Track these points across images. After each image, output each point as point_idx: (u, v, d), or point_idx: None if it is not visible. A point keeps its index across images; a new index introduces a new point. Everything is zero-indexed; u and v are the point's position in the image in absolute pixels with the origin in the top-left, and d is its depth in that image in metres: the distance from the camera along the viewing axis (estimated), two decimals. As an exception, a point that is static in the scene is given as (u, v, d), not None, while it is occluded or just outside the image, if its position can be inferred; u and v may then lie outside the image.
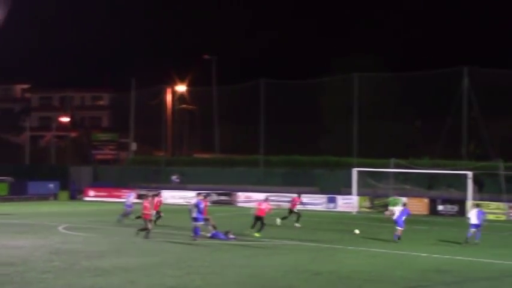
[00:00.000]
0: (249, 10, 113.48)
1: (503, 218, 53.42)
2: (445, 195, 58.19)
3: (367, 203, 59.97)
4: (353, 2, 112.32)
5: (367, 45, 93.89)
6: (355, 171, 59.52)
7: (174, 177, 73.69)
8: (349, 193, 59.64)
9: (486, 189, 58.89)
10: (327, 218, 53.88)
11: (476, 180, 56.60)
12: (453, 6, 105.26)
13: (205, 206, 38.35)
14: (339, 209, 60.71)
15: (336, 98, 78.83)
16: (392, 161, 60.06)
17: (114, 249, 32.76)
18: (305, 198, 60.69)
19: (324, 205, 62.23)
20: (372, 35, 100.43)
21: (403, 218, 37.54)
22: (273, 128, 74.47)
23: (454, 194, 59.64)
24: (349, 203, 60.05)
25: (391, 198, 52.20)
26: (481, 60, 68.30)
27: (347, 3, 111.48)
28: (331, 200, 61.69)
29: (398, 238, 37.21)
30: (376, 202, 59.65)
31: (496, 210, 53.93)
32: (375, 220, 51.82)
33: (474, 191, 54.94)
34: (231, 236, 37.18)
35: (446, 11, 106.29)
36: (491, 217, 52.94)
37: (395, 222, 37.57)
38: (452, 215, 55.16)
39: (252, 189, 68.61)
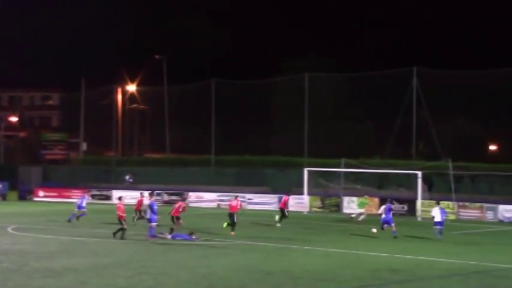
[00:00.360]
0: (201, 10, 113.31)
1: (452, 217, 53.97)
2: (395, 195, 58.62)
3: (318, 203, 60.20)
4: (304, 2, 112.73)
5: (319, 46, 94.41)
6: (306, 171, 59.69)
7: (127, 177, 73.20)
8: (301, 193, 59.77)
9: (435, 188, 59.53)
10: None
11: (425, 180, 57.15)
12: (403, 8, 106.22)
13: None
14: (290, 208, 60.60)
15: (287, 98, 79.02)
16: (343, 160, 60.39)
17: (64, 250, 32.42)
18: (256, 198, 60.86)
19: (275, 205, 62.17)
20: (323, 36, 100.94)
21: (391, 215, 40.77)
22: (225, 128, 74.38)
23: (404, 193, 60.17)
24: (300, 202, 60.19)
25: (359, 201, 51.98)
26: (430, 61, 69.17)
27: (298, 4, 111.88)
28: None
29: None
30: (327, 202, 59.93)
31: (445, 209, 54.46)
32: (326, 220, 52.03)
33: (424, 191, 55.47)
34: (194, 237, 36.98)
35: (397, 12, 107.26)
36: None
37: (387, 222, 40.35)
38: (402, 214, 55.58)
39: (203, 189, 68.48)
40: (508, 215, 53.17)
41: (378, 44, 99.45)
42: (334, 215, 56.31)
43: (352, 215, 49.68)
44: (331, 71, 75.19)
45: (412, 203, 55.64)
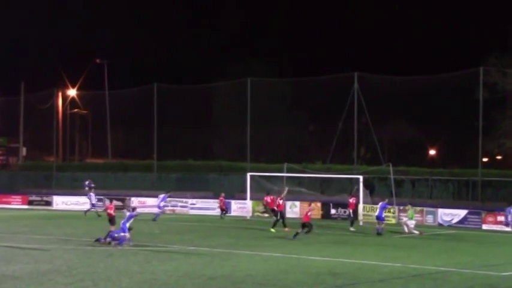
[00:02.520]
0: (142, 13, 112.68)
1: (393, 221, 54.48)
2: (337, 199, 58.98)
3: (261, 208, 60.23)
4: (247, 7, 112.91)
5: (261, 51, 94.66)
6: (248, 175, 59.76)
7: (86, 183, 72.08)
8: (243, 198, 59.81)
9: (376, 193, 60.02)
10: (221, 222, 53.90)
11: (367, 184, 57.62)
12: (344, 13, 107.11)
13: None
14: (233, 213, 60.78)
15: (230, 103, 79.10)
16: (286, 165, 60.57)
17: (3, 257, 31.88)
18: (199, 203, 60.69)
19: (218, 210, 62.21)
20: (266, 40, 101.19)
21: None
22: (167, 132, 74.08)
23: (346, 198, 60.53)
24: (243, 207, 60.22)
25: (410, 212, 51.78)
26: (371, 66, 69.81)
27: (241, 8, 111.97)
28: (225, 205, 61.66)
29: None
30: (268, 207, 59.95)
31: (386, 213, 54.94)
32: (268, 224, 52.07)
33: (365, 195, 55.88)
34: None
35: (338, 17, 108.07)
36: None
37: (378, 218, 45.11)
38: (344, 219, 55.93)
39: (145, 194, 68.08)
40: (447, 218, 53.89)
41: (320, 49, 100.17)
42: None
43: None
44: (273, 76, 75.43)
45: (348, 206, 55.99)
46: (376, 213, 46.42)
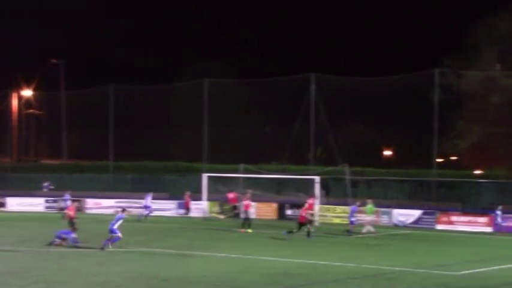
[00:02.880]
0: (99, 13, 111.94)
1: (348, 221, 54.76)
2: (294, 200, 59.15)
3: (216, 208, 60.22)
4: (204, 7, 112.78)
5: (219, 51, 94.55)
6: (205, 176, 59.68)
7: (45, 184, 71.44)
8: (200, 198, 59.72)
9: (333, 193, 60.33)
10: (177, 223, 53.75)
11: (323, 185, 57.88)
12: (301, 14, 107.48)
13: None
14: (189, 214, 60.60)
15: (187, 104, 78.80)
16: (242, 166, 60.61)
17: (-45, 259, 31.47)
18: (155, 204, 60.48)
19: (174, 211, 62.11)
20: (223, 41, 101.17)
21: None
22: (123, 133, 73.62)
23: (302, 198, 60.70)
24: (199, 208, 60.11)
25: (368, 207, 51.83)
26: (328, 68, 70.10)
27: (198, 8, 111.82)
28: (181, 206, 61.55)
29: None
30: (226, 207, 59.98)
31: (342, 214, 55.26)
32: (224, 225, 52.07)
33: (321, 196, 56.15)
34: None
35: (296, 19, 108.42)
36: (337, 221, 54.30)
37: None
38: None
39: (101, 195, 67.63)
40: (402, 219, 54.33)
41: (277, 50, 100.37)
42: (233, 221, 56.28)
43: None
44: (231, 77, 75.35)
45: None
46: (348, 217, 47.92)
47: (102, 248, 35.10)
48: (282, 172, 62.69)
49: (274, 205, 58.68)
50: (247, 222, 47.36)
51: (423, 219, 53.32)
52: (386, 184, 62.25)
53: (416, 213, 54.19)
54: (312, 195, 52.41)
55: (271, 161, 69.59)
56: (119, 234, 35.62)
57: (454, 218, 52.83)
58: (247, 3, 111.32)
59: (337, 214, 55.25)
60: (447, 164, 76.98)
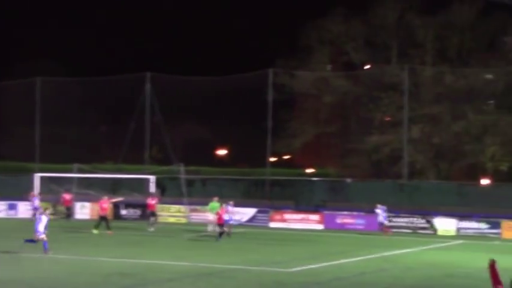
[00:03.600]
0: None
1: (184, 221, 54.97)
2: (128, 200, 58.72)
3: (49, 210, 58.81)
4: (33, 4, 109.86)
5: (51, 50, 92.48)
6: (37, 176, 58.29)
7: None
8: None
9: (168, 193, 60.33)
10: (7, 225, 52.18)
11: (158, 184, 57.78)
12: (137, 13, 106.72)
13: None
14: (20, 215, 59.01)
15: (19, 103, 76.62)
16: (76, 166, 59.60)
17: None
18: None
19: (5, 212, 60.26)
20: (56, 39, 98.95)
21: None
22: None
23: (137, 198, 60.37)
24: (29, 209, 58.53)
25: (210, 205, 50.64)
26: (163, 67, 69.96)
27: (26, 5, 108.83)
28: (12, 207, 59.82)
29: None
30: (58, 208, 58.76)
31: (177, 213, 55.37)
32: (55, 226, 50.94)
33: (157, 195, 55.97)
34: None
35: (131, 17, 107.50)
36: (172, 220, 54.32)
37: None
38: (135, 219, 55.80)
39: None
40: (237, 217, 54.85)
41: (112, 48, 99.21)
42: (66, 221, 55.22)
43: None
44: (64, 75, 73.85)
45: (145, 207, 55.87)
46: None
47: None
48: (117, 172, 62.11)
49: (110, 205, 57.94)
50: (105, 223, 46.44)
51: (257, 217, 54.19)
52: (221, 183, 62.79)
53: (250, 211, 54.97)
54: (152, 195, 52.04)
55: (106, 161, 68.81)
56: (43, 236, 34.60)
57: (287, 216, 53.94)
58: (84, 2, 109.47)
59: (172, 213, 55.28)
60: (281, 163, 78.57)
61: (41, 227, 34.59)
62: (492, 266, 15.49)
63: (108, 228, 46.02)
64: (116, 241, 41.16)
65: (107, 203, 47.69)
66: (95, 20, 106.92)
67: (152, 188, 54.95)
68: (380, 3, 66.56)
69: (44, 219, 34.84)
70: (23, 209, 59.35)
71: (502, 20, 64.65)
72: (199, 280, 27.27)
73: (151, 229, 47.53)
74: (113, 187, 63.61)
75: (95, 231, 45.66)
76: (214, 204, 47.39)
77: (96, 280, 26.76)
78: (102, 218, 46.90)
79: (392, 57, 67.35)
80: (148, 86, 64.15)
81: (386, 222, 47.17)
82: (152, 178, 55.44)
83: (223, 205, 43.78)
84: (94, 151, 72.12)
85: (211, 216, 47.62)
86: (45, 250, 34.15)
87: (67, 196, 54.79)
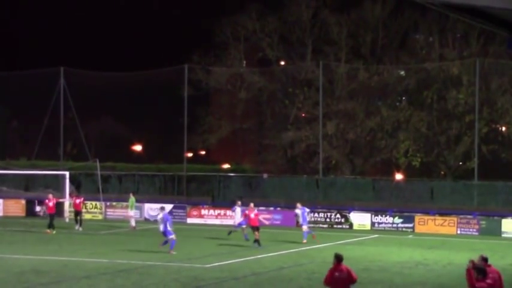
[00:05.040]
0: None
1: (100, 217, 54.43)
2: (43, 196, 57.75)
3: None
4: None
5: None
6: None
7: None
8: None
9: (83, 189, 59.58)
10: None
11: (73, 180, 57.05)
12: (54, 7, 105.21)
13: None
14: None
15: None
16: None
17: None
18: None
19: None
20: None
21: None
22: None
23: (52, 194, 59.46)
24: None
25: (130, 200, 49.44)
26: (77, 62, 69.00)
27: None
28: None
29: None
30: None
31: (93, 210, 54.79)
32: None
33: (72, 191, 55.29)
34: None
35: (46, 11, 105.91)
36: (88, 216, 53.65)
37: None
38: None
39: None
40: (153, 213, 54.60)
41: (24, 42, 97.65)
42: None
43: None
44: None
45: (60, 204, 55.06)
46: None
47: None
48: (30, 168, 61.05)
49: (23, 201, 56.98)
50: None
51: (174, 213, 53.91)
52: (137, 179, 62.38)
53: (167, 207, 54.64)
54: (76, 194, 51.18)
55: (19, 157, 67.52)
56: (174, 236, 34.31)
57: (204, 212, 53.92)
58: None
59: (88, 210, 54.60)
60: (197, 159, 78.55)
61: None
62: (468, 270, 16.27)
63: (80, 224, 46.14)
64: (30, 238, 40.49)
65: (52, 201, 45.92)
66: (7, 13, 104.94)
67: (67, 184, 54.14)
68: (295, 1, 67.06)
69: None
70: None
71: (414, 18, 65.95)
72: (116, 277, 27.10)
73: (80, 228, 46.33)
74: (26, 183, 62.57)
75: (80, 228, 45.62)
76: (133, 199, 48.00)
77: (9, 278, 26.37)
78: (77, 214, 47.01)
79: (307, 54, 67.84)
80: (62, 81, 63.20)
81: (305, 226, 40.42)
82: (67, 174, 54.69)
83: (250, 205, 39.36)
84: (7, 147, 70.77)
85: (131, 212, 47.93)
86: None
87: None
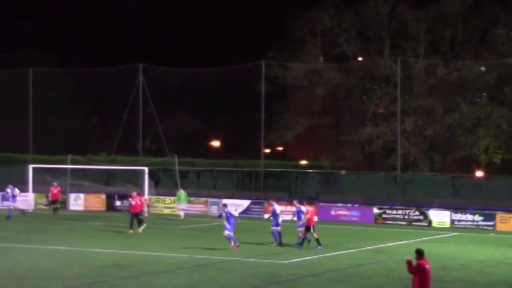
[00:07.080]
0: None
1: (177, 212, 54.86)
2: (122, 191, 58.54)
3: (44, 200, 58.72)
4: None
5: (43, 40, 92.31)
6: (30, 167, 58.11)
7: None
8: (26, 190, 58.00)
9: (162, 184, 60.20)
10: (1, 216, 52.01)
11: (152, 176, 57.66)
12: (126, 6, 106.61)
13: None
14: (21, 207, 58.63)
15: (10, 93, 76.41)
16: (70, 157, 59.42)
17: None
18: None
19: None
20: (47, 30, 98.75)
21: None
22: None
23: (131, 189, 60.20)
24: (25, 200, 58.32)
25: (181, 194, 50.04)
26: (156, 58, 69.77)
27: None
28: (5, 198, 59.49)
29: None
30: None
31: (171, 205, 55.26)
32: (50, 217, 50.89)
33: (151, 186, 55.92)
34: None
35: (124, 9, 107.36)
36: (167, 211, 54.18)
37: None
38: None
39: None
40: (231, 209, 54.81)
41: (105, 39, 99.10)
42: (60, 213, 55.07)
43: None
44: (56, 66, 73.64)
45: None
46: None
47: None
48: (110, 163, 61.90)
49: (103, 196, 57.85)
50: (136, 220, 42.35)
51: (252, 209, 54.02)
52: (215, 175, 62.76)
53: (245, 203, 54.83)
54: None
55: (99, 152, 68.54)
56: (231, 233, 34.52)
57: (281, 208, 53.77)
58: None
59: (167, 205, 55.11)
60: (274, 155, 78.58)
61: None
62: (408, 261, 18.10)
63: (138, 225, 41.98)
64: (111, 233, 41.06)
65: (135, 200, 42.10)
66: (88, 11, 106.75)
67: (146, 179, 54.72)
68: (372, -3, 66.52)
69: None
70: (18, 200, 59.03)
71: (494, 12, 64.70)
72: (194, 272, 27.27)
73: (141, 228, 44.28)
74: (107, 178, 63.50)
75: (131, 231, 41.38)
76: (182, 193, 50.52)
77: (90, 272, 26.75)
78: (134, 215, 42.03)
79: (384, 49, 67.22)
80: (141, 78, 63.95)
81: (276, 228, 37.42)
82: (145, 170, 55.33)
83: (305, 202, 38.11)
84: (88, 142, 72.02)
85: (182, 205, 50.35)
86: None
87: (54, 189, 53.87)
